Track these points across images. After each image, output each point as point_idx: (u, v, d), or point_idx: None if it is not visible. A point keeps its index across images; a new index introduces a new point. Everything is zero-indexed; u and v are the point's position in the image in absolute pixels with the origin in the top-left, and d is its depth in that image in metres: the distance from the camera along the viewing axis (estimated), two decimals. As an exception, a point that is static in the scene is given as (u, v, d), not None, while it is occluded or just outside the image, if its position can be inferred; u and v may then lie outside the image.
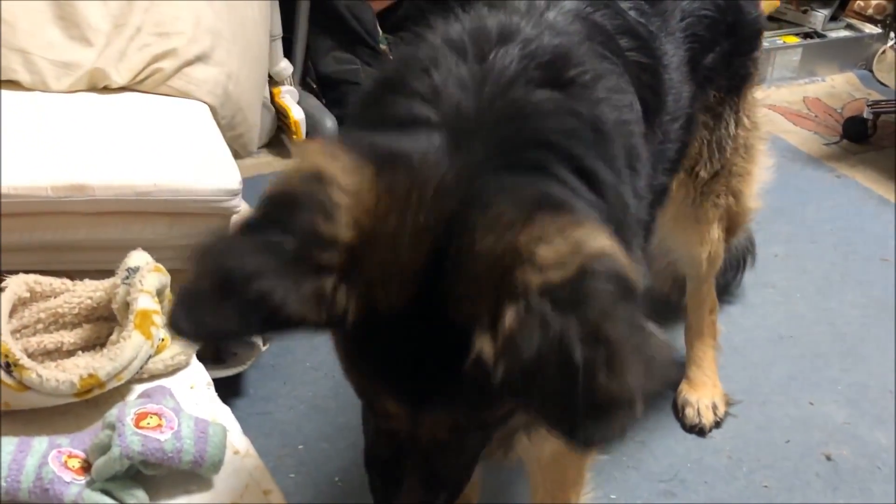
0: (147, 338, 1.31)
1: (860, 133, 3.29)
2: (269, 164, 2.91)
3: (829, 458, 1.95)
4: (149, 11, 1.92)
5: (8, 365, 1.22)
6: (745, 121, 1.74)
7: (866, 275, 2.57)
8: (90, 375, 1.24)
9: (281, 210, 0.85)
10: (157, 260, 1.49)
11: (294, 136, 2.88)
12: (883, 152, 3.26)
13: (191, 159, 1.69)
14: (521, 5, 1.16)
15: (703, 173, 1.69)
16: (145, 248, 1.48)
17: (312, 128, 2.91)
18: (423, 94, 0.96)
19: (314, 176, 0.85)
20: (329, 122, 2.92)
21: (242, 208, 1.67)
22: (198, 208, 1.63)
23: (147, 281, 1.37)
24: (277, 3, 2.80)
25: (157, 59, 1.89)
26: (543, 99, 0.98)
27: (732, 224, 1.83)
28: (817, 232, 2.75)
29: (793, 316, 2.39)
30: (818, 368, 2.21)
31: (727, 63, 1.61)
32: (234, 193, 1.65)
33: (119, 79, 1.86)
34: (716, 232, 1.80)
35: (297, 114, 2.86)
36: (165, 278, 1.42)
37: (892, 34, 4.02)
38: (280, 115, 2.93)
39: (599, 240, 0.83)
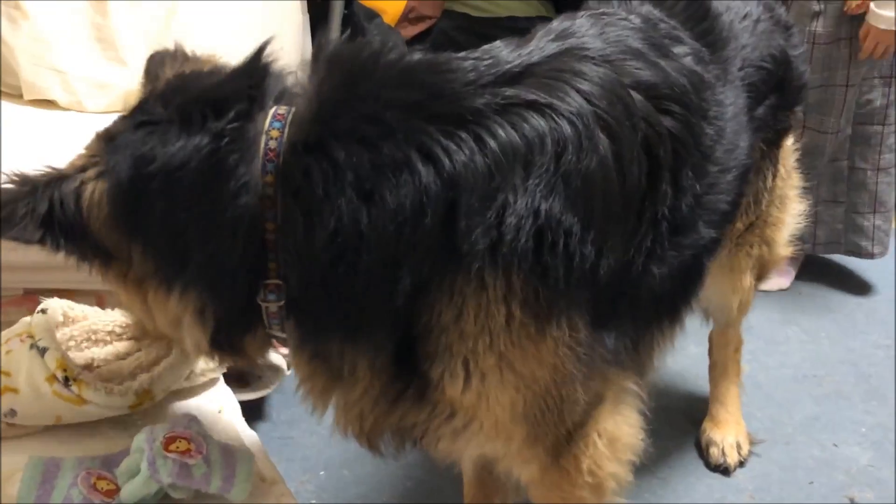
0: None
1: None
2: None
3: (852, 502, 1.93)
4: (186, 32, 1.93)
5: (66, 379, 1.25)
6: (781, 170, 1.74)
7: (890, 315, 2.55)
8: (145, 391, 1.29)
9: None
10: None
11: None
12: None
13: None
14: None
15: (738, 224, 1.67)
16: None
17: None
18: None
19: None
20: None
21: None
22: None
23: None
24: (309, 27, 2.82)
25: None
26: None
27: (763, 271, 1.82)
28: (842, 271, 2.74)
29: (817, 355, 2.38)
30: (842, 409, 2.19)
31: (773, 117, 1.60)
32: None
33: (154, 100, 1.88)
34: (748, 280, 1.79)
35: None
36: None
37: None
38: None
39: None
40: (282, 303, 1.10)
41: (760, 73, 1.52)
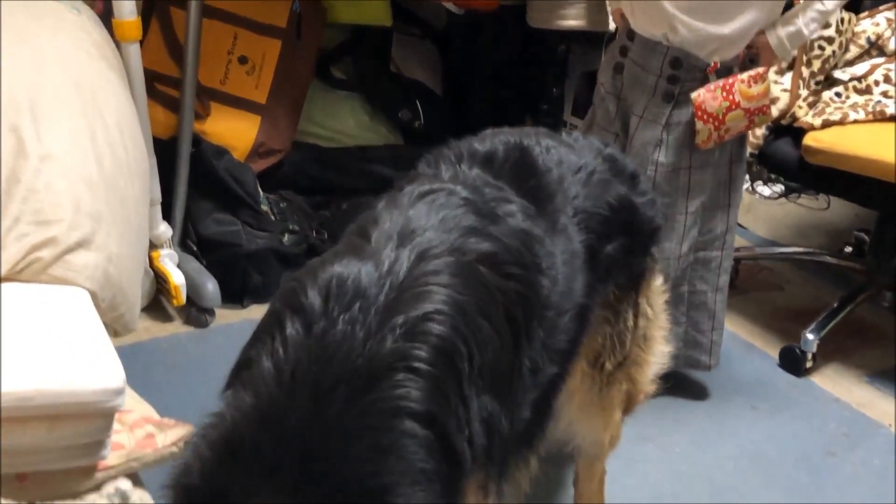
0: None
1: (724, 280, 3.45)
2: (148, 330, 2.86)
3: None
4: (27, 200, 1.89)
5: None
6: (648, 311, 1.83)
7: (739, 425, 2.67)
8: None
9: None
10: (38, 462, 1.50)
11: (174, 301, 2.85)
12: (746, 296, 3.43)
13: (73, 358, 1.65)
14: None
15: (608, 365, 1.78)
16: (24, 454, 1.46)
17: (193, 291, 2.89)
18: None
19: None
20: (210, 284, 2.91)
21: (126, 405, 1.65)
22: (81, 410, 1.59)
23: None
24: (156, 168, 2.81)
25: (36, 248, 1.86)
26: None
27: (629, 406, 1.91)
28: (690, 381, 2.85)
29: (672, 472, 2.45)
30: (701, 526, 2.27)
31: (626, 260, 1.69)
32: (117, 393, 1.61)
33: (-4, 270, 1.82)
34: (618, 415, 1.88)
35: (177, 278, 2.83)
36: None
37: (746, 177, 4.29)
38: (159, 279, 2.90)
39: None
40: None
41: (597, 218, 1.61)
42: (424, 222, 1.33)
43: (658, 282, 1.89)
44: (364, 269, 1.22)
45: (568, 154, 1.66)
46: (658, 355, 1.95)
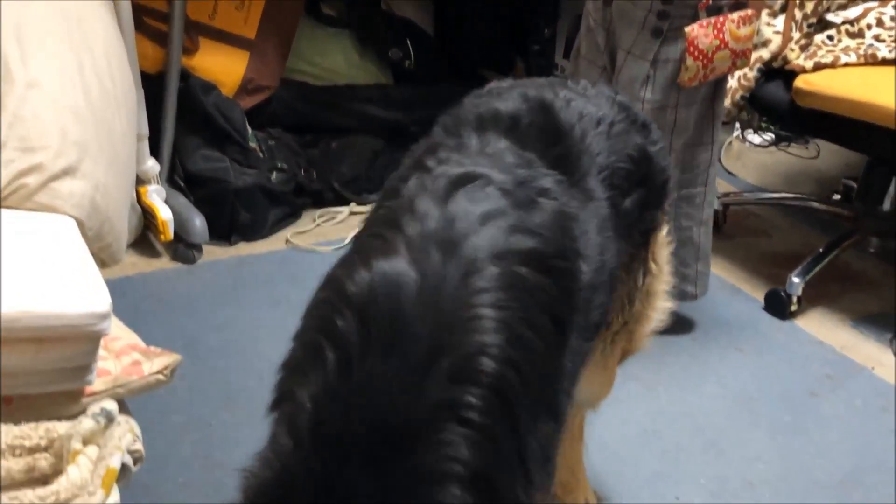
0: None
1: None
2: (135, 265, 2.86)
3: (696, 553, 2.02)
4: (13, 126, 1.87)
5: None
6: (653, 266, 1.79)
7: (722, 366, 2.69)
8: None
9: None
10: (23, 385, 1.49)
11: (162, 237, 2.85)
12: (733, 241, 3.44)
13: (59, 282, 1.65)
14: None
15: (614, 325, 1.74)
16: (11, 376, 1.46)
17: (181, 226, 2.89)
18: None
19: None
20: (198, 220, 2.90)
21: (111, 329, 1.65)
22: (67, 333, 1.59)
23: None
24: (144, 102, 2.79)
25: (21, 174, 1.85)
26: None
27: (623, 359, 1.89)
28: (675, 323, 2.86)
29: (656, 410, 2.48)
30: (682, 462, 2.29)
31: (641, 215, 1.64)
32: (103, 317, 1.61)
33: (-19, 196, 1.81)
34: (615, 371, 1.86)
35: (164, 213, 2.83)
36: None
37: (737, 125, 4.29)
38: (147, 215, 2.89)
39: None
40: None
41: (620, 173, 1.54)
42: (466, 225, 1.20)
43: (663, 232, 1.83)
44: (405, 287, 1.10)
45: (586, 105, 1.58)
46: (658, 311, 1.88)
